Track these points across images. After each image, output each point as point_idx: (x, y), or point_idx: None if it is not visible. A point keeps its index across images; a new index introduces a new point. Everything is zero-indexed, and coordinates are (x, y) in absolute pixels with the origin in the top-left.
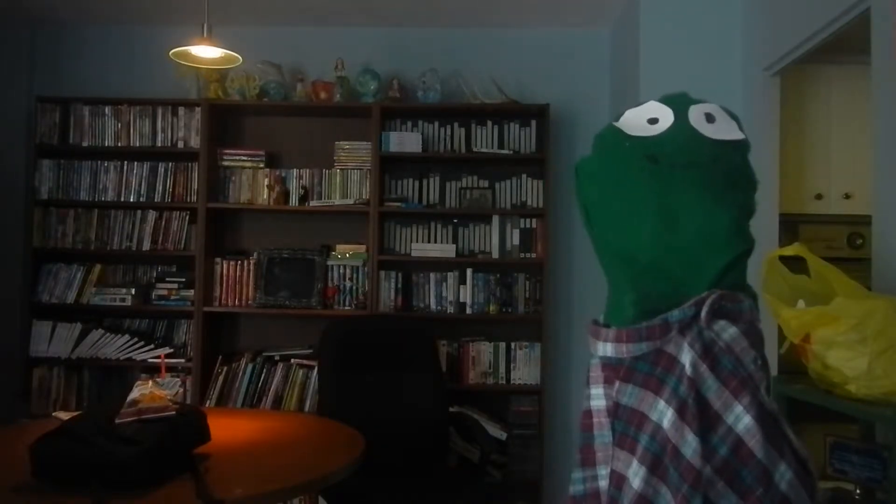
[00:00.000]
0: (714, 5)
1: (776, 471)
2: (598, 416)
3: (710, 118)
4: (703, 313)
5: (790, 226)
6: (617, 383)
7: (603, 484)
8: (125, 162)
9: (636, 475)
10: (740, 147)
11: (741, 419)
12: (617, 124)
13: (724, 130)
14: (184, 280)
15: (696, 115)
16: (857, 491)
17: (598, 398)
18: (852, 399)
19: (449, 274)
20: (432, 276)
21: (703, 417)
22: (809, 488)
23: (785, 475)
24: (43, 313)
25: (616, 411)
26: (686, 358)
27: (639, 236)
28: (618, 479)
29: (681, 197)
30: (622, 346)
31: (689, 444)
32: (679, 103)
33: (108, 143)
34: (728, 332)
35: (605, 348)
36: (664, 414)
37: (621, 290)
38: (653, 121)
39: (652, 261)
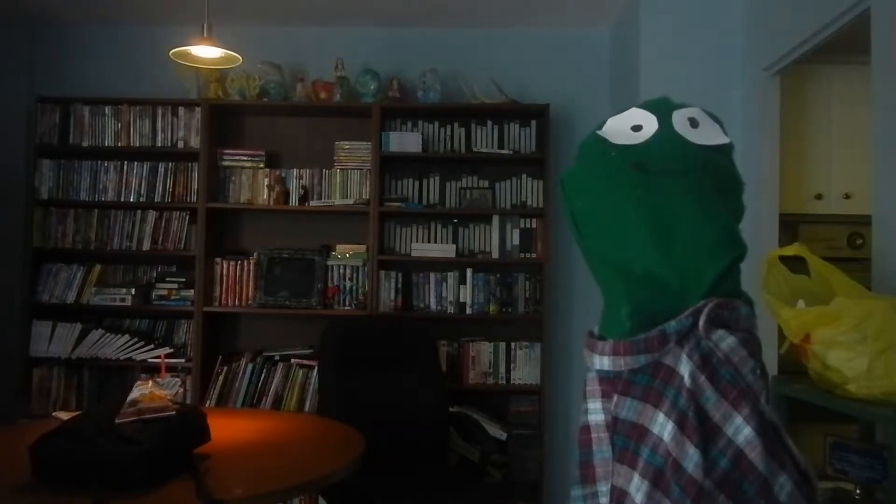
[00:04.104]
0: (714, 5)
1: (776, 482)
2: (596, 432)
3: (693, 123)
4: (701, 323)
5: (790, 226)
6: (615, 397)
7: (604, 501)
8: (125, 162)
9: (638, 490)
10: (725, 150)
11: (741, 431)
12: (600, 133)
13: (709, 135)
14: (184, 280)
15: (679, 120)
16: (857, 491)
17: (595, 413)
18: (852, 399)
19: (449, 274)
20: (432, 276)
21: (703, 429)
22: (809, 499)
23: (785, 486)
24: (43, 313)
25: (615, 426)
26: (685, 369)
27: (631, 247)
28: (619, 495)
29: (671, 205)
30: (620, 359)
31: (691, 458)
32: (662, 109)
33: (108, 143)
34: (726, 341)
35: (602, 362)
36: (665, 427)
37: (616, 302)
38: (637, 128)
39: (646, 271)
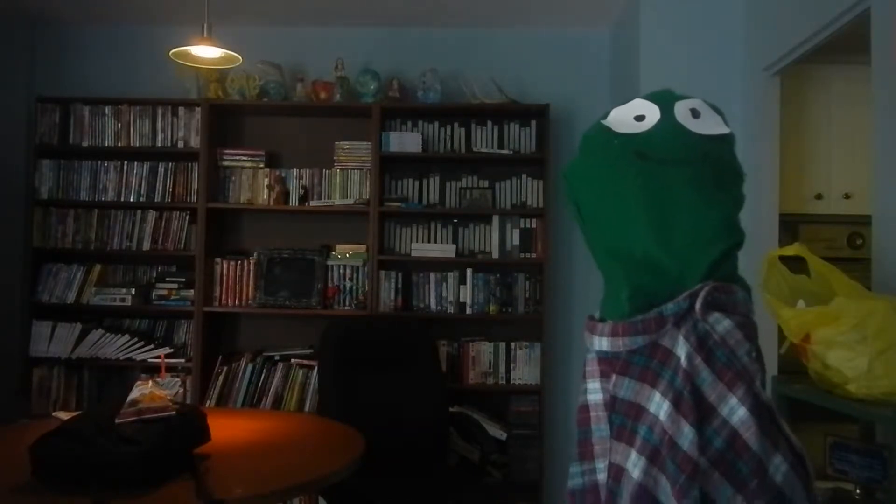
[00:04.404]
0: (714, 5)
1: (771, 463)
2: (595, 410)
3: (695, 113)
4: (698, 305)
5: (790, 226)
6: (613, 377)
7: (602, 477)
8: (125, 162)
9: (636, 466)
10: (726, 141)
11: (736, 411)
12: (604, 122)
13: (710, 125)
14: (184, 280)
15: (681, 110)
16: (857, 491)
17: (594, 392)
18: (852, 399)
19: (449, 274)
20: (432, 276)
21: (698, 409)
22: (804, 481)
23: (780, 467)
24: (43, 313)
25: (613, 404)
26: (681, 351)
27: (632, 233)
28: (616, 471)
29: (672, 194)
30: (618, 339)
31: (686, 436)
32: (664, 99)
33: (108, 143)
34: (722, 324)
35: (601, 342)
36: (661, 406)
37: (616, 286)
38: (639, 118)
39: (645, 257)
